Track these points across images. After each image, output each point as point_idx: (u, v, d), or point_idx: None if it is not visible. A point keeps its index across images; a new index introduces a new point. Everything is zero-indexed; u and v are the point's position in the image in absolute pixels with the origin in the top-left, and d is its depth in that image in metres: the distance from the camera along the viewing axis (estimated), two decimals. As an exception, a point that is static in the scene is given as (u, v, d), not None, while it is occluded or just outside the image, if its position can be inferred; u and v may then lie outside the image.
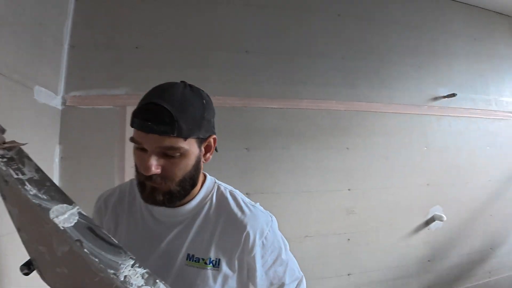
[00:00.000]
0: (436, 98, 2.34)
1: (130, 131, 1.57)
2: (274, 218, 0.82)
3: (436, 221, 2.23)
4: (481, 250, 2.40)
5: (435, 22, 2.42)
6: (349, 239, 2.03)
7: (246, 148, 1.85)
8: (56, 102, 1.63)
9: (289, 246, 1.92)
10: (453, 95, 2.33)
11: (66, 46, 1.71)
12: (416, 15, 2.37)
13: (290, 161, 1.95)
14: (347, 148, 2.08)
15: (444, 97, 2.34)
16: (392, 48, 2.27)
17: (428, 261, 2.23)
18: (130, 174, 1.66)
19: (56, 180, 1.61)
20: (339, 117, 2.07)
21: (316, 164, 2.00)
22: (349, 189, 2.06)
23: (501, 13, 2.76)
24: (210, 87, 1.73)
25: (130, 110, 1.68)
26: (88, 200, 1.55)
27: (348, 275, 2.01)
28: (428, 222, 2.24)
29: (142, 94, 1.69)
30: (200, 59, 1.86)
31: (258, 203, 0.82)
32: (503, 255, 2.47)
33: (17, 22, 1.29)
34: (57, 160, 1.63)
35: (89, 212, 0.71)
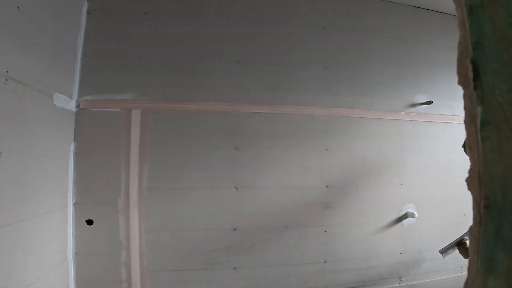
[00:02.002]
0: (413, 105, 2.53)
1: (135, 132, 1.87)
2: None
3: (408, 217, 2.45)
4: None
5: (414, 33, 2.60)
6: (325, 231, 2.28)
7: (235, 148, 2.12)
8: (71, 105, 1.93)
9: (271, 235, 2.25)
10: (430, 102, 2.53)
11: (79, 55, 2.00)
12: (396, 26, 2.55)
13: (274, 160, 2.20)
14: (327, 150, 2.31)
15: (421, 104, 2.53)
16: (373, 58, 2.47)
17: (400, 253, 2.45)
18: (134, 168, 1.96)
19: (71, 172, 1.92)
20: (320, 122, 2.30)
21: (297, 163, 2.24)
22: (327, 186, 2.30)
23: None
24: (203, 93, 2.03)
25: (135, 113, 1.99)
26: (98, 190, 1.87)
27: (324, 262, 2.26)
28: (401, 218, 2.46)
29: (145, 99, 2.01)
30: (195, 67, 2.11)
31: None
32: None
33: (38, 39, 1.58)
34: (72, 155, 1.94)
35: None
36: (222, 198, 2.09)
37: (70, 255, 1.87)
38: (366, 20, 2.47)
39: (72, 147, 1.94)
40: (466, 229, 2.51)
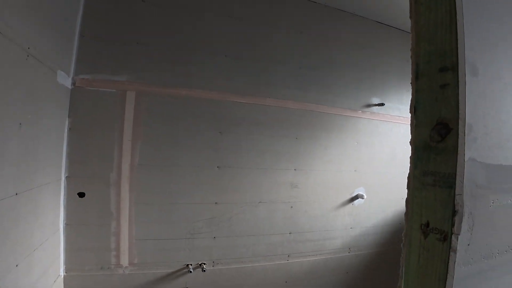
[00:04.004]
0: (369, 105, 3.01)
1: (129, 112, 2.05)
2: None
3: (359, 198, 2.94)
4: (392, 223, 3.17)
5: (375, 43, 3.06)
6: (292, 207, 2.67)
7: (220, 132, 2.40)
8: (67, 82, 2.06)
9: (246, 208, 2.57)
10: (382, 104, 3.02)
11: (77, 35, 2.09)
12: (361, 36, 2.99)
13: (252, 144, 2.52)
14: (296, 138, 2.69)
15: (375, 105, 3.02)
16: (340, 62, 2.88)
17: (351, 228, 2.94)
18: (127, 146, 2.15)
19: (64, 147, 2.04)
20: (292, 114, 2.66)
21: (271, 148, 2.59)
22: (295, 169, 2.68)
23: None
24: (194, 81, 2.27)
25: (130, 94, 2.17)
26: (89, 165, 2.02)
27: (290, 233, 2.66)
28: (352, 199, 2.94)
29: (140, 82, 2.17)
30: (187, 56, 2.33)
31: None
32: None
33: (48, 17, 1.69)
34: (66, 130, 2.07)
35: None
36: (206, 176, 2.37)
37: (61, 226, 2.01)
38: (336, 28, 2.86)
39: (66, 122, 2.07)
40: (403, 210, 3.09)
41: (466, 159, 0.50)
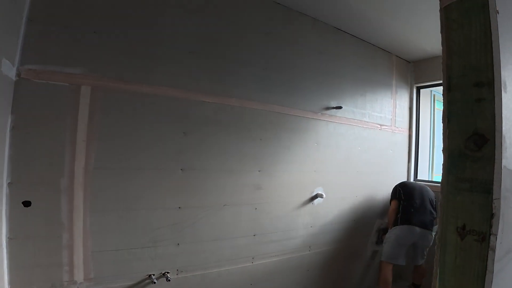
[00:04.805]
0: (327, 108, 3.13)
1: (83, 109, 1.83)
2: None
3: (318, 198, 3.05)
4: (348, 220, 3.34)
5: (332, 48, 3.19)
6: (256, 208, 2.65)
7: (184, 132, 2.28)
8: (12, 73, 1.78)
9: (211, 212, 2.49)
10: (340, 107, 3.17)
11: (24, 19, 1.81)
12: (322, 43, 3.09)
13: (217, 145, 2.44)
14: (260, 139, 2.68)
15: (333, 108, 3.15)
16: (302, 66, 2.94)
17: (311, 227, 3.03)
18: (81, 147, 1.93)
19: (6, 148, 1.74)
20: (257, 115, 2.64)
21: (236, 149, 2.54)
22: (259, 170, 2.67)
23: (382, 49, 3.71)
24: (156, 77, 2.13)
25: (84, 89, 1.95)
26: (36, 170, 1.78)
27: (254, 235, 2.64)
28: (312, 199, 3.03)
29: (97, 76, 1.96)
30: (150, 51, 2.15)
31: None
32: (362, 225, 3.47)
33: None
34: (8, 129, 1.78)
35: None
36: (169, 179, 2.23)
37: (4, 241, 1.72)
38: (298, 32, 2.92)
39: (9, 120, 1.79)
40: (357, 207, 3.27)
41: (502, 166, 0.53)
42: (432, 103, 4.17)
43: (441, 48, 2.51)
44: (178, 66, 2.27)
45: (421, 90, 4.07)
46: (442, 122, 0.62)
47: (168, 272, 2.17)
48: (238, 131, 2.55)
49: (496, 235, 0.53)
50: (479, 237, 0.55)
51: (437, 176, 4.22)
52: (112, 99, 2.03)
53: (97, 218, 1.96)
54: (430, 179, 4.07)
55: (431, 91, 4.17)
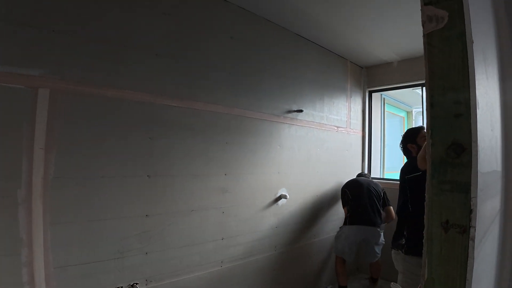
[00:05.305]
0: (290, 111, 3.25)
1: (41, 114, 1.70)
2: None
3: (282, 199, 3.14)
4: (310, 219, 3.49)
5: (295, 56, 3.33)
6: (223, 212, 2.66)
7: (150, 137, 2.21)
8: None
9: (179, 218, 2.44)
10: (301, 111, 3.30)
11: None
12: (284, 48, 3.20)
13: (184, 150, 2.41)
14: (226, 143, 2.69)
15: (294, 111, 3.28)
16: (266, 70, 3.02)
17: (276, 227, 3.11)
18: (39, 156, 1.78)
19: None
20: (223, 119, 2.65)
21: (203, 154, 2.52)
22: (225, 174, 2.68)
23: (338, 55, 3.94)
24: (121, 81, 2.05)
25: (43, 92, 1.81)
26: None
27: (222, 239, 2.64)
28: (277, 200, 3.12)
29: (56, 78, 1.84)
30: (115, 53, 2.05)
31: None
32: (322, 223, 3.64)
33: None
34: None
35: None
36: (135, 186, 2.15)
37: None
38: (262, 37, 2.99)
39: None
40: (319, 206, 3.43)
41: (477, 171, 0.63)
42: (382, 106, 4.54)
43: (391, 55, 2.77)
44: (145, 69, 2.20)
45: (373, 94, 4.40)
46: (426, 135, 0.71)
47: (137, 283, 2.10)
48: (205, 135, 2.54)
49: (474, 227, 0.64)
50: (461, 229, 0.65)
51: (388, 174, 4.61)
52: (73, 104, 1.90)
53: (58, 231, 1.83)
54: (381, 177, 4.41)
55: (381, 94, 4.53)
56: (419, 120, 5.85)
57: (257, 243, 2.93)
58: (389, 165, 4.81)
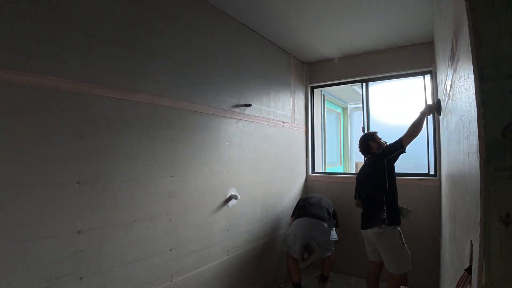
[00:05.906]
0: (237, 105, 3.05)
1: None
2: None
3: (232, 199, 2.94)
4: (261, 219, 3.35)
5: (242, 47, 3.14)
6: (170, 219, 2.34)
7: (79, 135, 1.79)
8: None
9: (119, 231, 2.07)
10: (249, 105, 3.13)
11: None
12: (230, 37, 2.98)
13: (123, 150, 2.03)
14: (171, 140, 2.37)
15: (242, 105, 3.09)
16: (214, 61, 2.77)
17: (227, 230, 2.89)
18: None
19: None
20: (167, 113, 2.33)
21: (145, 153, 2.17)
22: (171, 176, 2.37)
23: (283, 49, 3.87)
24: (41, 64, 1.62)
25: None
26: None
27: (171, 250, 2.32)
28: (227, 201, 2.90)
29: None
30: (35, 31, 1.59)
31: None
32: (273, 221, 3.53)
33: None
34: None
35: None
36: (62, 197, 1.71)
37: None
38: (208, 23, 2.72)
39: None
40: (271, 203, 3.31)
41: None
42: (322, 102, 4.64)
43: (333, 51, 2.75)
44: (72, 51, 1.77)
45: (314, 90, 4.46)
46: (477, 113, 0.60)
47: (68, 318, 1.67)
48: (147, 132, 2.19)
49: (541, 220, 0.54)
50: (525, 223, 0.55)
51: (329, 168, 4.74)
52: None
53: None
54: (323, 171, 4.51)
55: (321, 91, 4.63)
56: (354, 115, 6.21)
57: (209, 249, 2.67)
58: (329, 159, 4.96)
